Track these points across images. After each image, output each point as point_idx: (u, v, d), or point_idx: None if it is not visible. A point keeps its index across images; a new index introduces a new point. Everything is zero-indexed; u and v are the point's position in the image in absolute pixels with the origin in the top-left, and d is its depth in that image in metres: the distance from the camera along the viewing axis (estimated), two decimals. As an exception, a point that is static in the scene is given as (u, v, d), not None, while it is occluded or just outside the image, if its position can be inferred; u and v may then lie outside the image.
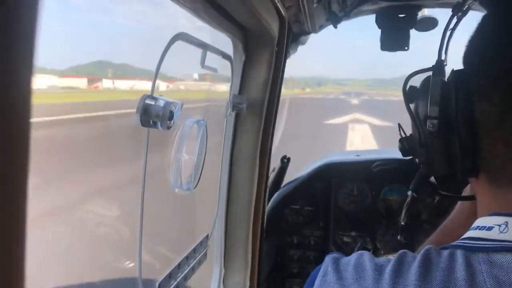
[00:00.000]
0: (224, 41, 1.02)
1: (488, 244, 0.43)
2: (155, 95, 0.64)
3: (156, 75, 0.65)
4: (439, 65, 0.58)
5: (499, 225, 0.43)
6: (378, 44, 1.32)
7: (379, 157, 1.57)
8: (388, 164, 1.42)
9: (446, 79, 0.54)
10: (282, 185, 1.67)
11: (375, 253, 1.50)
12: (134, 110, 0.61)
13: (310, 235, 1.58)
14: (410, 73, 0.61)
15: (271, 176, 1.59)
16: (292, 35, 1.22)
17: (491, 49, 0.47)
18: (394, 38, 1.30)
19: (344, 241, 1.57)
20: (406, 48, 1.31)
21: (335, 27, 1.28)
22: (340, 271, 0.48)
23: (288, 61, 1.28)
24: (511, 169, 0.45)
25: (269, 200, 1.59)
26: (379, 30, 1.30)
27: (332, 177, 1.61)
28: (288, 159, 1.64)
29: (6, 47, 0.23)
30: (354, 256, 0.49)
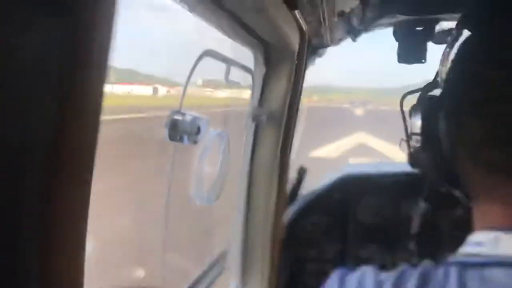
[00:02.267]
0: (244, 53, 1.03)
1: (480, 260, 0.44)
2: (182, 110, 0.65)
3: (184, 91, 0.66)
4: (432, 84, 0.62)
5: (489, 241, 0.45)
6: (386, 53, 1.33)
7: (400, 170, 1.55)
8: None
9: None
10: (299, 196, 1.66)
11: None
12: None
13: (329, 248, 1.57)
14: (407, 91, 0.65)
15: (288, 187, 1.58)
16: (311, 48, 1.23)
17: (452, 71, 0.51)
18: (411, 51, 1.30)
19: (363, 255, 1.54)
20: (423, 61, 1.31)
21: (354, 40, 1.29)
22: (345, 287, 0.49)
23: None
24: (473, 184, 0.47)
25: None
26: (388, 41, 1.31)
27: (350, 189, 1.59)
28: (305, 170, 1.64)
29: (83, 52, 0.24)
30: (358, 272, 0.51)
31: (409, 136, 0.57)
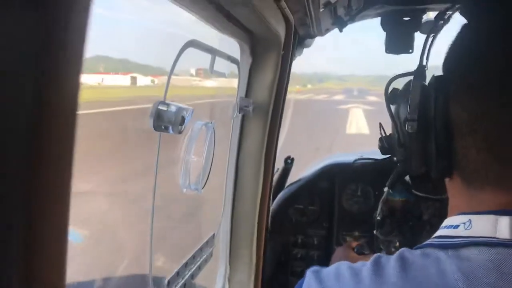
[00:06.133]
0: (229, 42, 1.04)
1: (456, 241, 0.46)
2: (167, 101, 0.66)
3: (168, 81, 0.67)
4: (420, 70, 0.61)
5: (464, 223, 0.47)
6: (380, 41, 1.34)
7: (384, 158, 1.58)
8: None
9: (427, 83, 0.56)
10: (286, 185, 1.69)
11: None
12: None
13: (314, 234, 1.61)
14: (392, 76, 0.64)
15: (275, 176, 1.61)
16: (298, 38, 1.24)
17: (467, 58, 0.50)
18: (399, 41, 1.32)
19: (347, 241, 1.59)
20: (411, 51, 1.32)
21: (341, 30, 1.30)
22: (322, 281, 0.52)
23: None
24: (483, 173, 0.48)
25: (273, 200, 1.61)
26: (382, 30, 1.32)
27: (335, 177, 1.63)
28: (292, 160, 1.67)
29: (58, 47, 0.24)
30: (333, 266, 0.53)
31: (400, 122, 0.56)
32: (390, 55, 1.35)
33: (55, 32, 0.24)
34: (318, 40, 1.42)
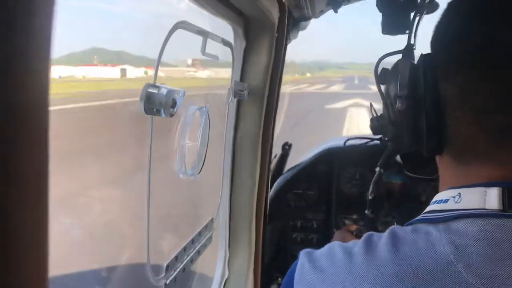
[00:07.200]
0: (224, 27, 1.03)
1: (446, 214, 0.47)
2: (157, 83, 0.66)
3: (157, 64, 0.66)
4: (409, 48, 0.60)
5: (454, 197, 0.48)
6: (378, 27, 1.32)
7: (382, 141, 1.58)
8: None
9: (416, 62, 0.56)
10: (284, 171, 1.70)
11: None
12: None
13: (313, 218, 1.62)
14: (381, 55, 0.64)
15: (273, 162, 1.61)
16: (292, 20, 1.22)
17: (452, 33, 0.50)
18: (395, 22, 1.30)
19: (346, 224, 1.60)
20: (407, 31, 1.31)
21: (336, 11, 1.28)
22: (315, 261, 0.52)
23: (290, 45, 1.29)
24: (472, 146, 0.48)
25: (272, 185, 1.62)
26: (380, 14, 1.30)
27: (334, 161, 1.63)
28: (290, 146, 1.67)
29: (23, 44, 0.23)
30: (326, 246, 0.54)
31: (390, 100, 0.56)
32: (393, 42, 1.33)
33: (17, 29, 0.23)
34: (319, 28, 1.41)
